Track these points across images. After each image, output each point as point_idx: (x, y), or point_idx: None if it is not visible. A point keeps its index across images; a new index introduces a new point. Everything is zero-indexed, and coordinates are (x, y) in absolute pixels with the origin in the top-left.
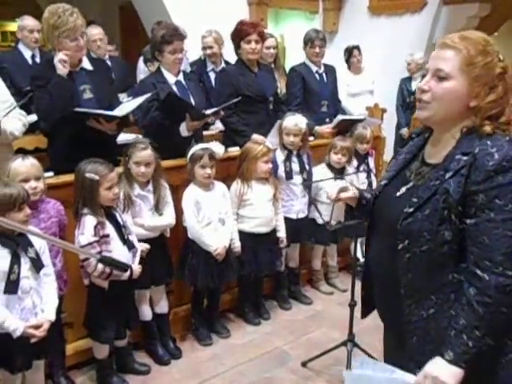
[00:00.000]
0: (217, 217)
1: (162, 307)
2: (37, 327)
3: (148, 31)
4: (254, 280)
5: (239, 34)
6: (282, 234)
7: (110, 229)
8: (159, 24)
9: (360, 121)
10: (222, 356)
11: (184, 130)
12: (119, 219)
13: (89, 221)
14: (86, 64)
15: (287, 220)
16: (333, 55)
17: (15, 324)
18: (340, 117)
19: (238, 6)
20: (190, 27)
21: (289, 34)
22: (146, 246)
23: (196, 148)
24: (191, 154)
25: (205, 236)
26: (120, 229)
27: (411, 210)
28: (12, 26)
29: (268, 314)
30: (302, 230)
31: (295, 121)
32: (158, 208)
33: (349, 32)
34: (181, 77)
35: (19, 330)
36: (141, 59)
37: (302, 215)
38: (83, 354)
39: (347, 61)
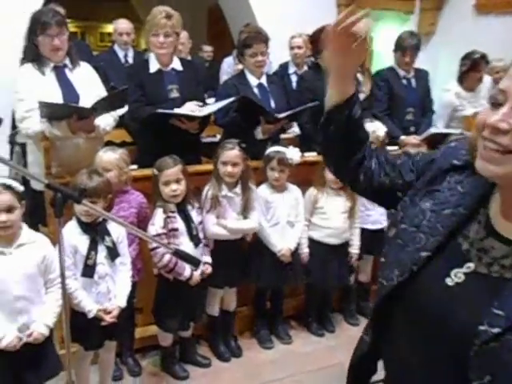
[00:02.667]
0: (285, 219)
1: (230, 305)
2: (108, 312)
3: (234, 34)
4: (321, 290)
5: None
6: (354, 249)
7: (179, 223)
8: (246, 27)
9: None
10: (282, 362)
11: (259, 132)
12: (191, 215)
13: (159, 213)
14: (177, 64)
15: (362, 231)
16: (427, 59)
17: (90, 305)
18: (433, 130)
19: (326, 7)
20: (276, 30)
21: (379, 36)
22: (208, 269)
23: (270, 150)
24: (265, 155)
25: (271, 235)
26: (189, 224)
27: (496, 330)
28: (109, 28)
29: (333, 327)
30: (377, 242)
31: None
32: (244, 211)
33: (449, 33)
34: (263, 79)
35: (93, 311)
36: (225, 61)
37: (378, 226)
38: (150, 340)
39: (464, 72)
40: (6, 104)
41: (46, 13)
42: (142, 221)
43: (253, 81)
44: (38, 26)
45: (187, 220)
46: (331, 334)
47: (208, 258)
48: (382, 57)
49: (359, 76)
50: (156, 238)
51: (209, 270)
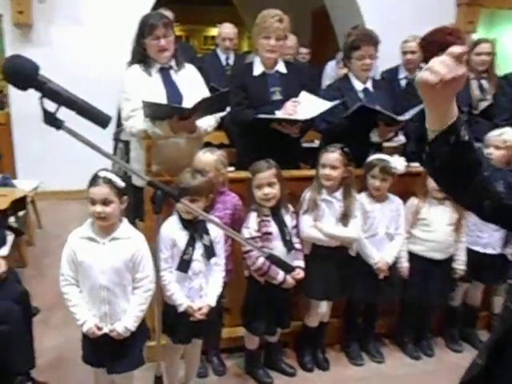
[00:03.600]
0: (384, 231)
1: (324, 317)
2: (197, 309)
3: (339, 36)
4: (419, 308)
5: (439, 44)
6: (459, 265)
7: (273, 227)
8: (354, 29)
9: None
10: (372, 381)
11: (375, 135)
12: (284, 219)
13: (253, 216)
14: (281, 67)
15: (471, 252)
16: None
17: (181, 299)
18: None
19: (444, 8)
20: (385, 33)
21: (504, 38)
22: (300, 274)
23: (373, 157)
24: (367, 162)
25: (367, 246)
26: (283, 229)
27: None
28: (212, 31)
29: (431, 351)
30: (486, 268)
31: (500, 131)
32: (343, 218)
33: None
34: (369, 84)
35: (183, 305)
36: (328, 64)
37: (489, 251)
38: (236, 341)
39: None
40: (114, 103)
41: (154, 16)
42: (236, 222)
43: (358, 85)
44: (145, 28)
45: (281, 224)
46: (429, 358)
47: (300, 262)
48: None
49: (484, 83)
50: (250, 241)
51: (300, 274)
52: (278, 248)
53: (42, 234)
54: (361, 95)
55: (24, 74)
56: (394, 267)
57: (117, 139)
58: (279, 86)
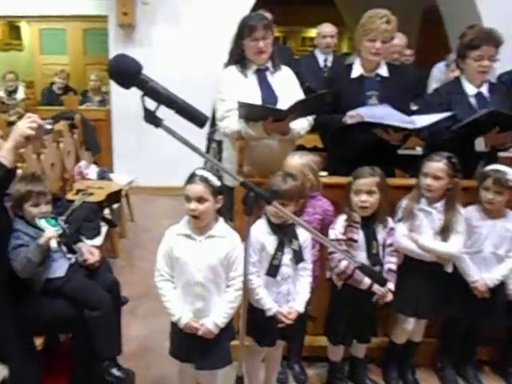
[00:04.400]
0: (490, 249)
1: (416, 336)
2: (285, 315)
3: (452, 37)
4: None
5: None
6: None
7: (359, 236)
8: (471, 28)
9: None
10: None
11: (482, 144)
12: (376, 232)
13: (342, 219)
14: (383, 70)
15: None
16: None
17: (270, 304)
18: None
19: None
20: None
21: None
22: (388, 297)
23: (488, 168)
24: (479, 173)
25: (467, 263)
26: (371, 242)
27: None
28: (311, 33)
29: None
30: None
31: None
32: (442, 232)
33: None
34: (484, 88)
35: (272, 310)
36: (436, 66)
37: None
38: (319, 350)
39: None
40: (210, 103)
41: (254, 17)
42: (325, 228)
43: (470, 89)
44: (245, 29)
45: (369, 236)
46: None
47: (391, 285)
48: None
49: None
50: (340, 248)
51: (388, 297)
52: (359, 258)
53: (133, 227)
54: (472, 100)
55: (128, 73)
56: (501, 291)
57: (210, 139)
58: (377, 90)
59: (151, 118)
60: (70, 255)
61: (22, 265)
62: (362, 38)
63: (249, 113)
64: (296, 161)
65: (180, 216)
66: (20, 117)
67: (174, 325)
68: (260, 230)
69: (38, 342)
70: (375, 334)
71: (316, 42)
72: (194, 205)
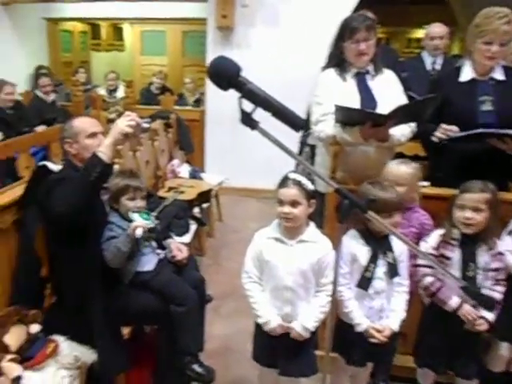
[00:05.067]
0: None
1: None
2: (379, 331)
3: None
4: None
5: None
6: None
7: (455, 254)
8: None
9: None
10: None
11: None
12: (476, 253)
13: (437, 233)
14: (498, 73)
15: None
16: None
17: (360, 319)
18: None
19: None
20: None
21: None
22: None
23: None
24: None
25: None
26: (467, 263)
27: None
28: (417, 33)
29: None
30: None
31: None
32: None
33: None
34: None
35: (362, 326)
36: None
37: None
38: (408, 371)
39: None
40: (305, 106)
41: (357, 18)
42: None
43: None
44: (346, 30)
45: (467, 257)
46: None
47: (489, 315)
48: None
49: None
50: (442, 266)
51: (482, 326)
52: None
53: (221, 227)
54: None
55: (227, 75)
56: None
57: (303, 143)
58: (491, 95)
59: (247, 120)
60: (159, 251)
61: (112, 254)
62: (476, 39)
63: (346, 117)
64: (404, 170)
65: (268, 219)
66: (119, 115)
67: (259, 328)
68: (352, 241)
69: (125, 331)
70: (478, 372)
71: (423, 43)
72: (287, 208)
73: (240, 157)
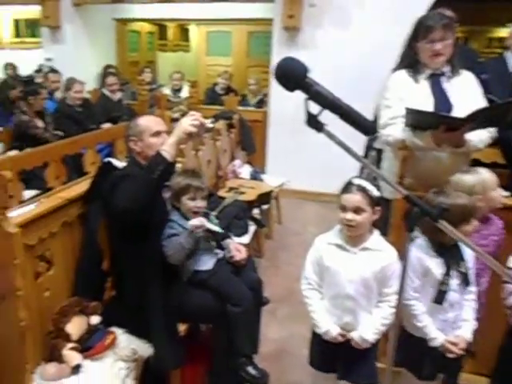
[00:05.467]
0: None
1: None
2: (454, 343)
3: None
4: None
5: None
6: None
7: None
8: None
9: None
10: None
11: None
12: None
13: None
14: None
15: None
16: None
17: (435, 333)
18: None
19: None
20: None
21: None
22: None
23: None
24: None
25: None
26: None
27: None
28: (499, 32)
29: None
30: None
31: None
32: None
33: None
34: None
35: (438, 340)
36: None
37: None
38: None
39: None
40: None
41: (433, 17)
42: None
43: None
44: (421, 30)
45: None
46: None
47: None
48: None
49: None
50: None
51: None
52: None
53: (280, 230)
54: None
55: (294, 76)
56: None
57: (369, 146)
58: None
59: (314, 122)
60: (217, 250)
61: (173, 250)
62: None
63: (417, 120)
64: (468, 179)
65: (328, 224)
66: (183, 114)
67: (316, 335)
68: (423, 252)
69: (182, 328)
70: None
71: (507, 43)
72: (350, 215)
73: (301, 159)
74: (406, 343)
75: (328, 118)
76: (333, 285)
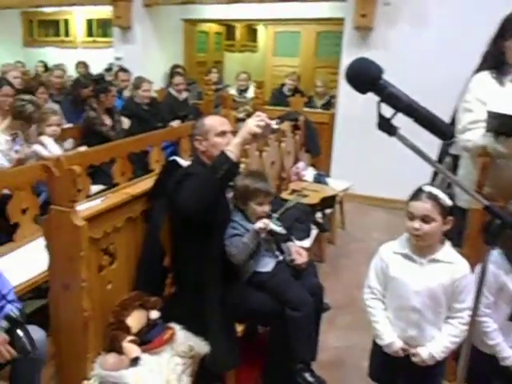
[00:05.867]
0: None
1: None
2: None
3: None
4: None
5: None
6: None
7: None
8: None
9: None
10: None
11: None
12: None
13: None
14: None
15: None
16: None
17: (508, 352)
18: None
19: None
20: None
21: None
22: None
23: None
24: None
25: None
26: None
27: None
28: None
29: None
30: None
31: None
32: None
33: None
34: None
35: (510, 360)
36: None
37: None
38: None
39: None
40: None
41: None
42: None
43: None
44: (509, 27)
45: None
46: None
47: None
48: None
49: None
50: None
51: None
52: None
53: (343, 235)
54: None
55: (367, 77)
56: None
57: (444, 152)
58: None
59: (386, 126)
60: (278, 253)
61: (237, 249)
62: None
63: (501, 125)
64: None
65: (394, 231)
66: (248, 114)
67: (377, 346)
68: (498, 267)
69: (239, 329)
70: None
71: None
72: (417, 223)
73: (368, 163)
74: (474, 360)
75: (403, 121)
76: (397, 296)
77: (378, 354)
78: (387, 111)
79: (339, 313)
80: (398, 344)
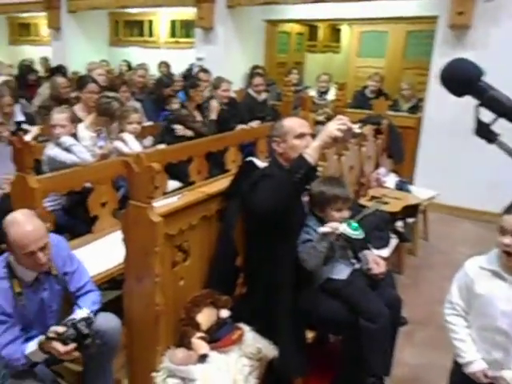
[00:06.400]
0: None
1: None
2: None
3: None
4: None
5: None
6: None
7: None
8: None
9: None
10: None
11: None
12: None
13: None
14: None
15: None
16: None
17: None
18: None
19: None
20: None
21: None
22: None
23: None
24: None
25: None
26: None
27: None
28: None
29: None
30: None
31: None
32: None
33: None
34: None
35: None
36: None
37: None
38: None
39: None
40: None
41: None
42: None
43: None
44: None
45: None
46: None
47: None
48: None
49: None
50: None
51: None
52: None
53: (426, 246)
54: None
55: (465, 79)
56: None
57: None
58: None
59: (484, 132)
60: (354, 261)
61: (308, 254)
62: None
63: None
64: None
65: (483, 245)
66: (328, 117)
67: (458, 366)
68: None
69: (309, 335)
70: None
71: None
72: (509, 239)
73: (456, 171)
74: None
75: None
76: (482, 315)
77: (458, 374)
78: (485, 116)
79: (417, 328)
80: (480, 365)
